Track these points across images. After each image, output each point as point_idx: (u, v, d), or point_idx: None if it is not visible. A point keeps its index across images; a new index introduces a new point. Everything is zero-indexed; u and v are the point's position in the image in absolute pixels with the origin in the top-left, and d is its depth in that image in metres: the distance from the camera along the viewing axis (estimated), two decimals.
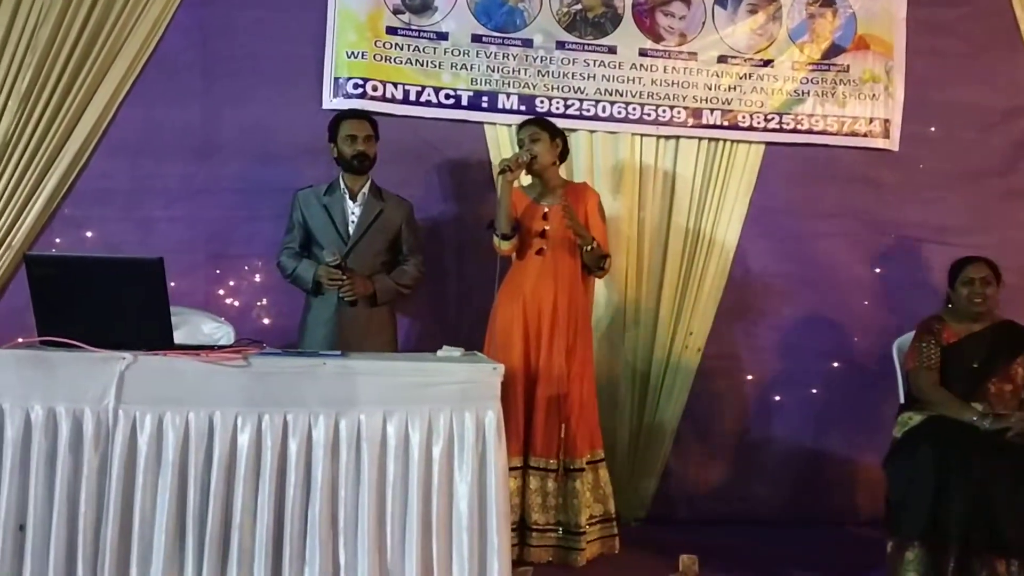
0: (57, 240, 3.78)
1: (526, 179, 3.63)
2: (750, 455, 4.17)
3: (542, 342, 3.39)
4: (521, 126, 3.54)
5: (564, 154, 3.59)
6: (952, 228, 4.20)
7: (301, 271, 3.44)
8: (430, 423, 2.44)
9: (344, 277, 3.34)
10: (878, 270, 4.21)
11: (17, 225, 3.67)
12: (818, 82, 4.17)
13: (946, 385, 3.42)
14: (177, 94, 3.82)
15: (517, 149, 3.54)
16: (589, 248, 3.39)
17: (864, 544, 3.76)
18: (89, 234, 3.80)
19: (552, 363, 3.38)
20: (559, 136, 3.53)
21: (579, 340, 3.43)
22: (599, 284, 3.91)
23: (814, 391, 4.22)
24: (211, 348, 2.55)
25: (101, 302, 2.40)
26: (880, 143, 4.20)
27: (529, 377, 3.38)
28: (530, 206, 3.50)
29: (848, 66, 4.19)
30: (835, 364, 4.24)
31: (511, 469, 3.23)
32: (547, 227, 3.45)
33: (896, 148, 4.22)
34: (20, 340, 2.51)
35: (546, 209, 3.47)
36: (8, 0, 3.58)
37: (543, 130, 3.47)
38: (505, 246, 3.42)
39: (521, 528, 3.32)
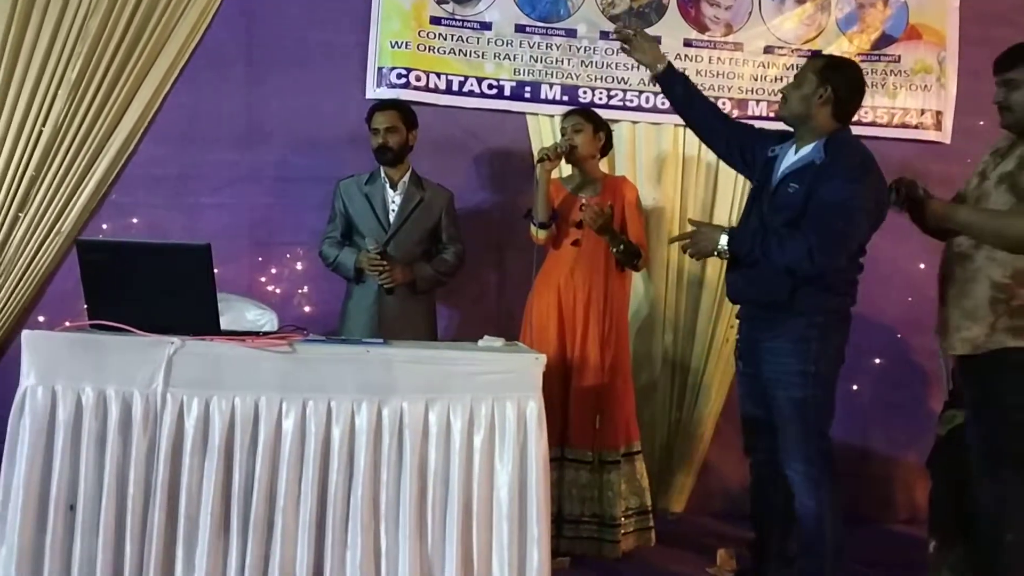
0: (104, 226, 3.84)
1: (566, 169, 3.62)
2: None
3: (577, 333, 3.38)
4: (566, 115, 3.52)
5: (606, 148, 3.56)
6: None
7: (343, 259, 3.47)
8: (471, 412, 2.45)
9: (384, 264, 3.36)
10: (922, 265, 4.13)
11: (67, 211, 3.74)
12: (868, 73, 4.02)
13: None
14: (223, 83, 3.86)
15: (560, 138, 3.53)
16: (617, 249, 3.36)
17: (905, 543, 3.72)
18: (135, 220, 3.86)
19: (587, 354, 3.37)
20: (603, 129, 3.50)
21: (614, 331, 3.41)
22: (640, 276, 3.90)
23: (855, 387, 4.15)
24: (256, 334, 2.58)
25: (150, 287, 2.43)
26: (932, 135, 4.12)
27: (564, 368, 3.37)
28: (567, 197, 3.49)
29: (899, 56, 4.11)
30: (878, 360, 4.18)
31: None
32: (583, 218, 3.43)
33: (948, 141, 4.13)
34: (68, 323, 2.55)
35: (583, 200, 3.45)
36: None
37: (587, 121, 3.44)
38: (542, 235, 3.41)
39: (556, 520, 3.32)
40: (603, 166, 3.67)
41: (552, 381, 3.29)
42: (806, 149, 2.71)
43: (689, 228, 2.91)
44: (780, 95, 2.87)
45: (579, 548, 3.32)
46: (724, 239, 2.70)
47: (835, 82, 2.68)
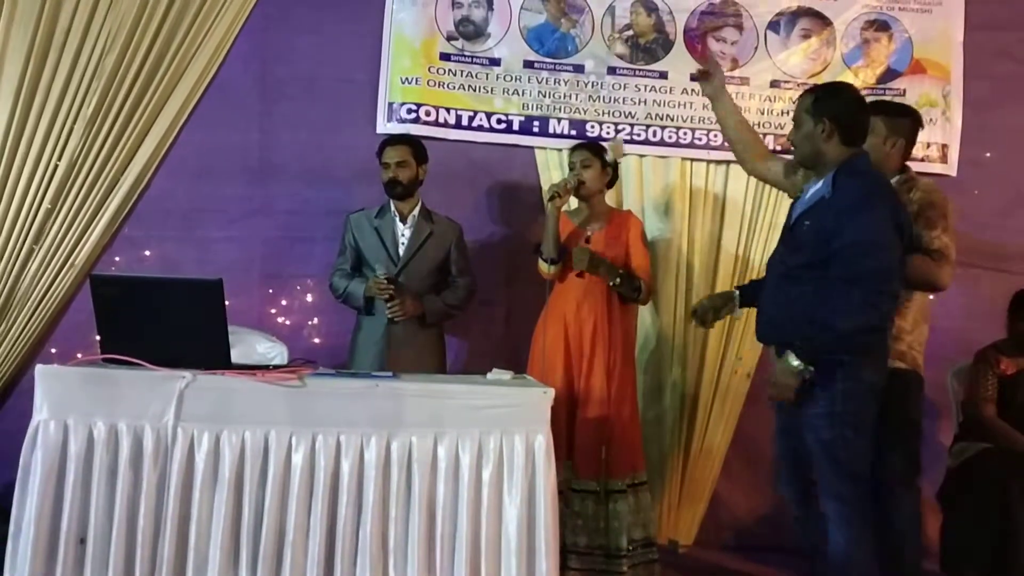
0: (116, 259, 3.87)
1: (572, 202, 3.65)
2: None
3: (583, 364, 3.40)
4: (574, 149, 3.55)
5: (612, 181, 3.60)
6: (1009, 255, 4.11)
7: (352, 289, 3.49)
8: (480, 446, 2.46)
9: (393, 290, 3.36)
10: (931, 297, 4.13)
11: (81, 244, 3.78)
12: None
13: (1002, 416, 3.36)
14: (236, 118, 3.91)
15: (567, 171, 3.56)
16: (614, 283, 3.39)
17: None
18: (147, 253, 3.89)
19: (593, 385, 3.38)
20: (610, 164, 3.54)
21: (621, 362, 3.43)
22: (647, 309, 3.91)
23: None
24: (267, 368, 2.60)
25: (162, 321, 2.46)
26: (938, 168, 4.11)
27: (571, 399, 3.38)
28: (574, 231, 3.52)
29: (904, 90, 4.13)
30: None
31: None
32: (574, 266, 3.45)
33: (954, 173, 4.14)
34: (80, 356, 2.57)
35: (589, 234, 3.49)
36: (76, 28, 3.70)
37: (595, 157, 3.48)
38: (552, 271, 3.44)
39: (562, 550, 3.30)
40: (611, 198, 3.70)
41: (559, 412, 3.29)
42: (818, 184, 2.67)
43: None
44: (789, 143, 2.81)
45: None
46: (793, 359, 2.53)
47: (829, 112, 2.61)
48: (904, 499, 2.90)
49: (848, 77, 4.11)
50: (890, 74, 4.16)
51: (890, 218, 2.54)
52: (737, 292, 3.05)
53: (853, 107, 2.67)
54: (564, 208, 3.56)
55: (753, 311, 3.97)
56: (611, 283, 3.39)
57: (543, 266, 3.45)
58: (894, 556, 2.82)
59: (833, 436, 2.57)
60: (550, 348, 3.41)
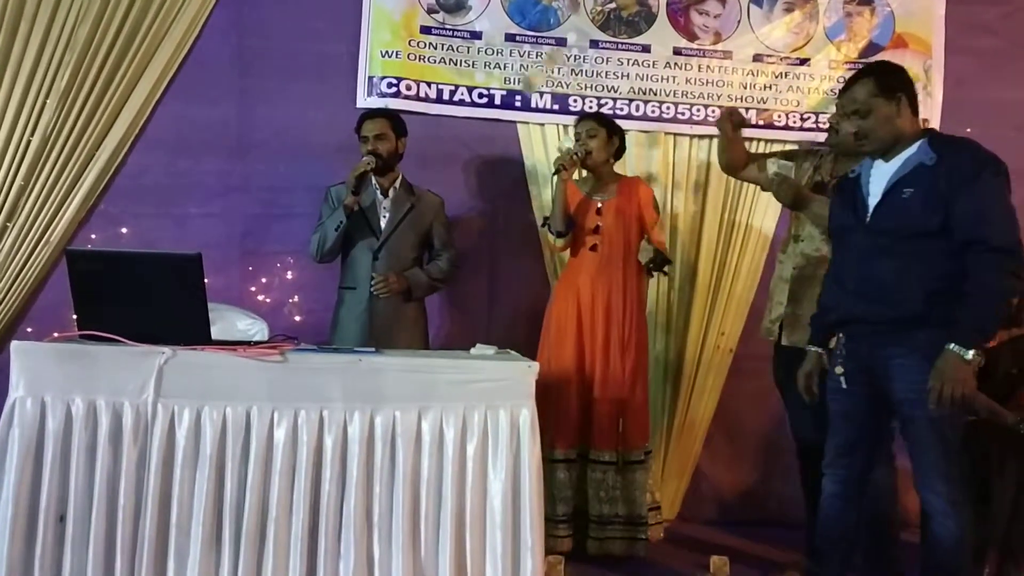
0: (93, 236, 3.81)
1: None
2: (781, 457, 4.10)
3: (598, 338, 3.41)
4: (579, 120, 3.54)
5: (620, 151, 3.59)
6: None
7: (327, 223, 3.40)
8: (464, 420, 2.45)
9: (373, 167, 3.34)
10: None
11: (55, 221, 3.71)
12: None
13: (983, 389, 3.38)
14: (213, 92, 3.84)
15: (572, 144, 3.55)
16: (655, 263, 3.42)
17: (897, 547, 3.71)
18: (124, 230, 3.84)
19: (609, 359, 3.40)
20: (616, 134, 3.53)
21: (635, 335, 3.44)
22: None
23: None
24: (247, 344, 2.57)
25: (140, 297, 2.42)
26: None
27: (585, 372, 3.41)
28: (583, 201, 3.50)
29: None
30: None
31: (564, 462, 3.34)
32: (600, 223, 3.45)
33: None
34: (56, 335, 2.53)
35: (599, 204, 3.48)
36: None
37: (601, 126, 3.47)
38: (560, 243, 3.45)
39: (575, 519, 3.38)
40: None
41: (570, 385, 3.38)
42: (910, 151, 2.49)
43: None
44: (855, 135, 2.57)
45: (608, 548, 3.37)
46: (964, 352, 2.34)
47: (899, 88, 2.51)
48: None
49: (831, 51, 4.12)
50: (872, 48, 4.15)
51: (1008, 186, 2.45)
52: (813, 348, 2.80)
53: (909, 76, 2.59)
54: (573, 178, 3.54)
55: (730, 284, 4.03)
56: (648, 267, 3.43)
57: (553, 239, 3.46)
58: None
59: (943, 414, 2.41)
60: (562, 322, 3.43)
